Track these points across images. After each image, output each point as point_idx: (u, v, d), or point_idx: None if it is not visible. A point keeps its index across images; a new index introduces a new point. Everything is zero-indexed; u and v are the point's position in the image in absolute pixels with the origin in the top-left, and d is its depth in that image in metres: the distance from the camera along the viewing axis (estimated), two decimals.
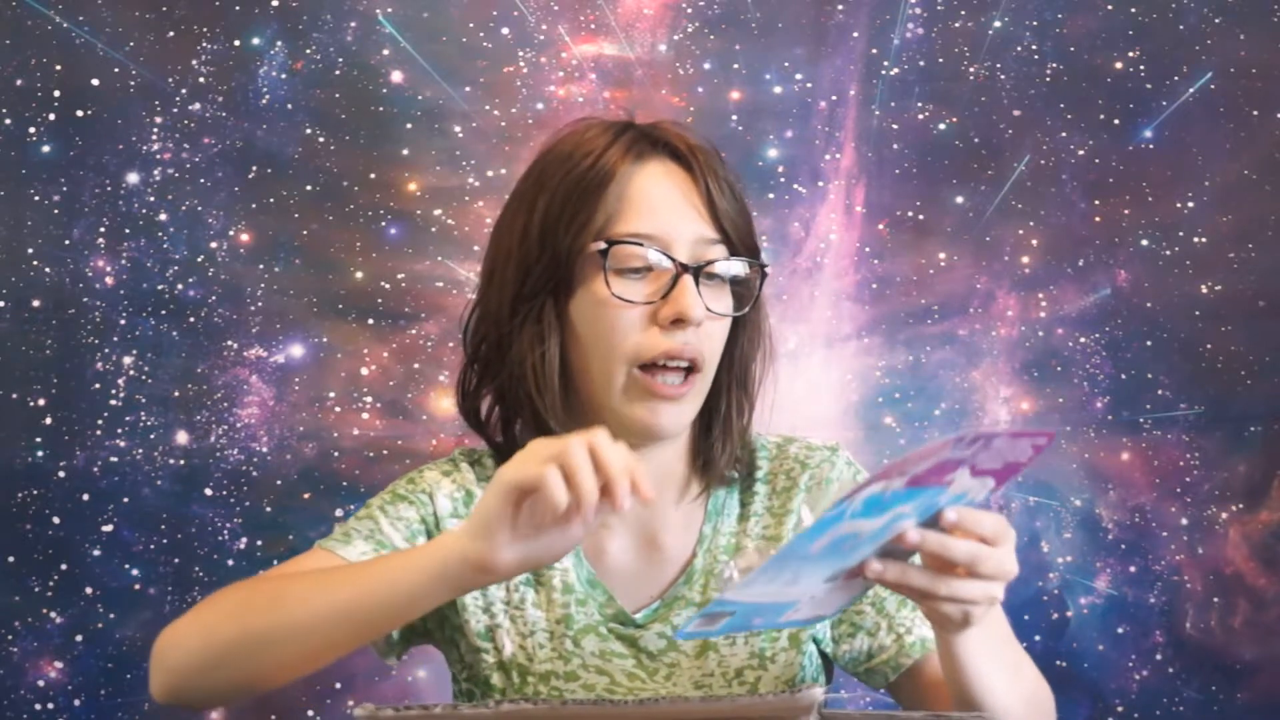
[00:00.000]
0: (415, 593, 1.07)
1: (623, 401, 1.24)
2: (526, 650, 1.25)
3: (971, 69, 2.34)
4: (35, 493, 2.21)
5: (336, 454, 2.26)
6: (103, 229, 2.26)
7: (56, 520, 2.21)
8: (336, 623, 1.09)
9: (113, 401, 2.24)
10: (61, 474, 2.22)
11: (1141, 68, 2.34)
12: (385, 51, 2.31)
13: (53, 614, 2.21)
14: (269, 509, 2.24)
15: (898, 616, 1.26)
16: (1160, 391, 2.31)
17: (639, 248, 1.22)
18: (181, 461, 2.24)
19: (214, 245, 2.27)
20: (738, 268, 1.25)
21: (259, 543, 2.24)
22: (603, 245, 1.22)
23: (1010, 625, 1.18)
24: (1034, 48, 2.34)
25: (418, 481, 1.32)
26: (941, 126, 2.34)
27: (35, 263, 2.24)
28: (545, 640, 1.25)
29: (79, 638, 2.21)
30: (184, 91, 2.28)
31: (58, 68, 2.25)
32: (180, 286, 2.27)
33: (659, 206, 1.23)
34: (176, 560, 2.23)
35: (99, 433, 2.23)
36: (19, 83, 2.24)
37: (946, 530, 1.02)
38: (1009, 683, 1.13)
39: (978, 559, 1.03)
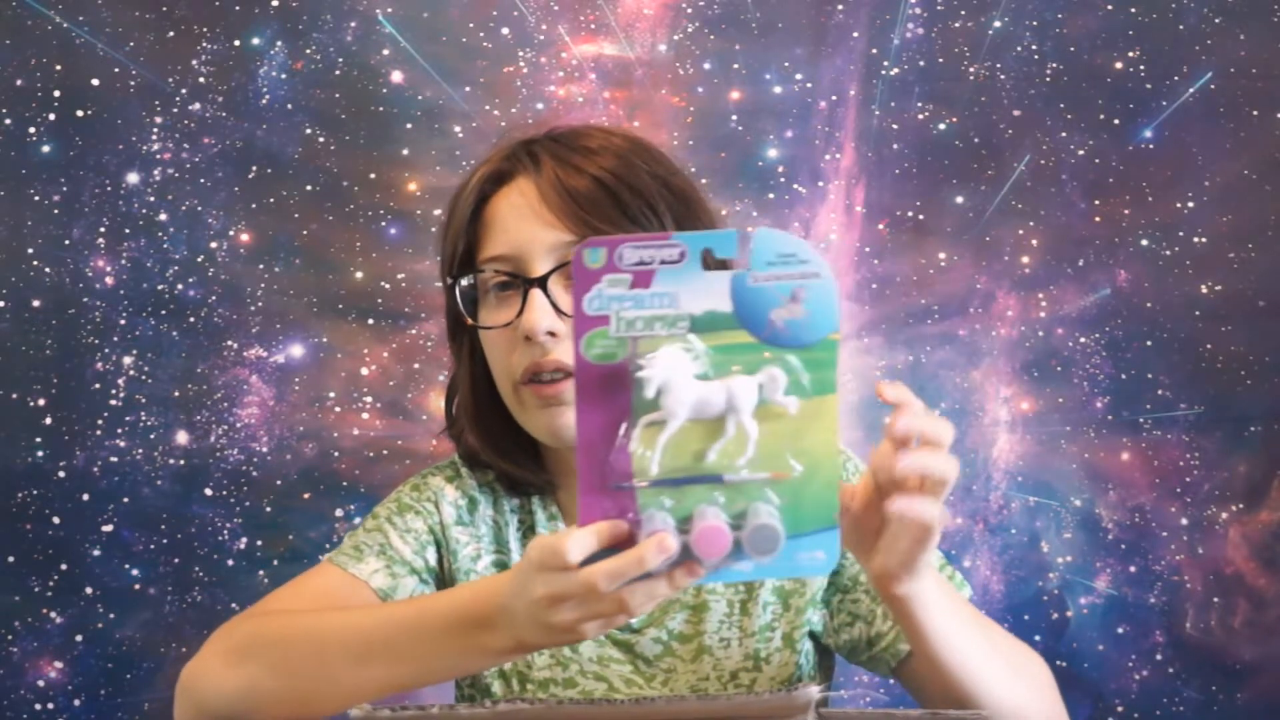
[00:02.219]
0: (460, 671, 1.12)
1: (525, 417, 1.25)
2: (526, 658, 1.25)
3: (971, 69, 2.34)
4: (35, 493, 2.21)
5: (336, 454, 2.26)
6: (103, 229, 2.26)
7: (56, 520, 2.21)
8: (382, 691, 1.10)
9: (113, 401, 2.24)
10: (61, 474, 2.22)
11: (1141, 68, 2.34)
12: (385, 51, 2.31)
13: (53, 614, 2.21)
14: (269, 509, 2.24)
15: None
16: (1160, 391, 2.31)
17: (484, 274, 1.24)
18: (181, 461, 2.24)
19: (214, 245, 2.27)
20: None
21: (259, 543, 2.24)
22: (449, 281, 1.26)
23: (1008, 624, 1.18)
24: (1034, 48, 2.34)
25: (422, 489, 1.32)
26: (941, 126, 2.34)
27: (35, 263, 2.24)
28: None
29: (79, 638, 2.21)
30: (184, 91, 2.28)
31: (58, 68, 2.25)
32: (180, 286, 2.27)
33: (509, 225, 1.24)
34: (176, 560, 2.23)
35: (99, 433, 2.23)
36: (19, 83, 2.24)
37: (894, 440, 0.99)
38: (980, 640, 1.11)
39: (927, 469, 1.00)
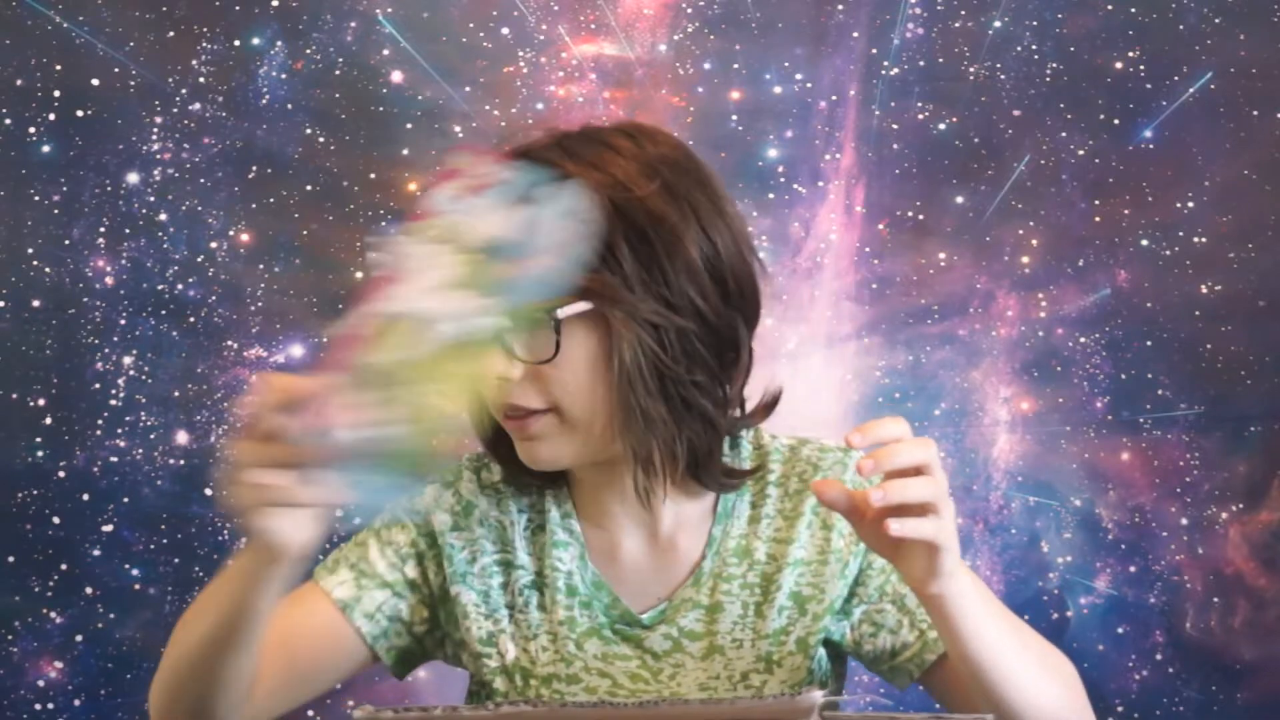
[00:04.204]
0: (244, 595, 1.11)
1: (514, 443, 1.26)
2: (530, 653, 1.25)
3: (971, 69, 2.34)
4: (35, 493, 2.21)
5: None
6: (103, 229, 2.26)
7: (56, 520, 2.21)
8: (207, 652, 1.13)
9: (113, 401, 2.24)
10: (61, 474, 2.22)
11: (1141, 68, 2.34)
12: (385, 51, 2.31)
13: (53, 614, 2.21)
14: None
15: (919, 613, 1.25)
16: (1160, 391, 2.31)
17: None
18: (181, 461, 2.24)
19: (214, 245, 2.27)
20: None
21: None
22: None
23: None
24: (1034, 48, 2.34)
25: (414, 500, 1.33)
26: (941, 126, 2.34)
27: (35, 263, 2.24)
28: (548, 643, 1.25)
29: (79, 638, 2.21)
30: (184, 91, 2.28)
31: (58, 68, 2.25)
32: (180, 286, 2.27)
33: None
34: (176, 560, 2.23)
35: (99, 433, 2.23)
36: (19, 83, 2.24)
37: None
38: (1013, 640, 1.12)
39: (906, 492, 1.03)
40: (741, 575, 1.27)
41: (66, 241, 2.25)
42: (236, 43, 2.29)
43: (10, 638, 2.20)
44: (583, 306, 1.15)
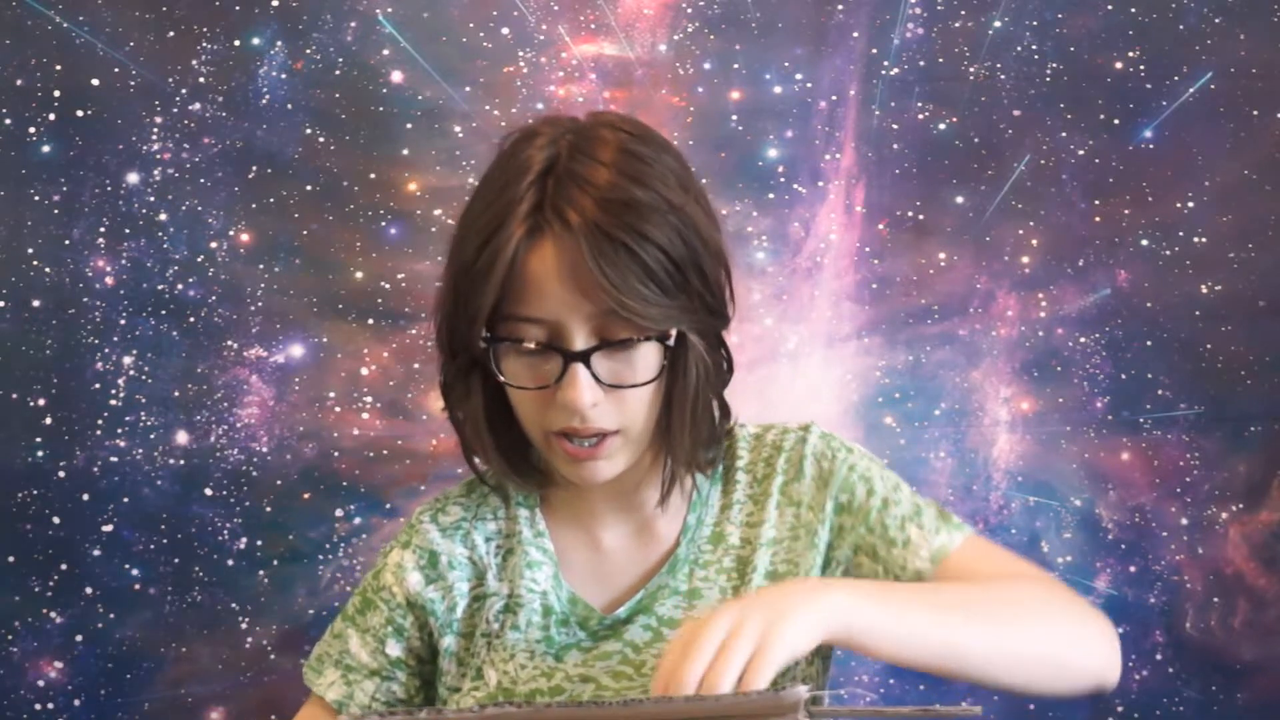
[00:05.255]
0: None
1: (552, 458, 1.25)
2: (510, 674, 1.26)
3: (971, 69, 2.34)
4: (35, 493, 2.21)
5: (336, 454, 2.26)
6: (103, 229, 2.26)
7: (56, 520, 2.21)
8: None
9: (113, 401, 2.24)
10: (61, 474, 2.22)
11: (1141, 68, 2.34)
12: (385, 51, 2.31)
13: (53, 614, 2.21)
14: (269, 509, 2.24)
15: (889, 558, 1.26)
16: (1160, 391, 2.31)
17: (522, 335, 1.19)
18: (181, 461, 2.24)
19: (214, 245, 2.27)
20: (630, 336, 1.19)
21: (259, 543, 2.24)
22: (485, 337, 1.19)
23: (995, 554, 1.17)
24: (1034, 48, 2.34)
25: (380, 575, 1.34)
26: (941, 126, 2.34)
27: (35, 263, 2.24)
28: (526, 661, 1.26)
29: (79, 638, 2.21)
30: (184, 91, 2.28)
31: (58, 68, 2.25)
32: (180, 286, 2.27)
33: (545, 287, 1.17)
34: (176, 560, 2.23)
35: (99, 433, 2.23)
36: (19, 83, 2.24)
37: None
38: (960, 621, 1.10)
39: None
40: (717, 560, 1.29)
41: (66, 241, 2.25)
42: (236, 43, 2.29)
43: (10, 638, 2.20)
44: (673, 329, 1.19)
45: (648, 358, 1.20)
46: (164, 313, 2.26)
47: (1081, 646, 1.18)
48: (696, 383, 1.22)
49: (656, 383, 1.21)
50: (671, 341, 1.20)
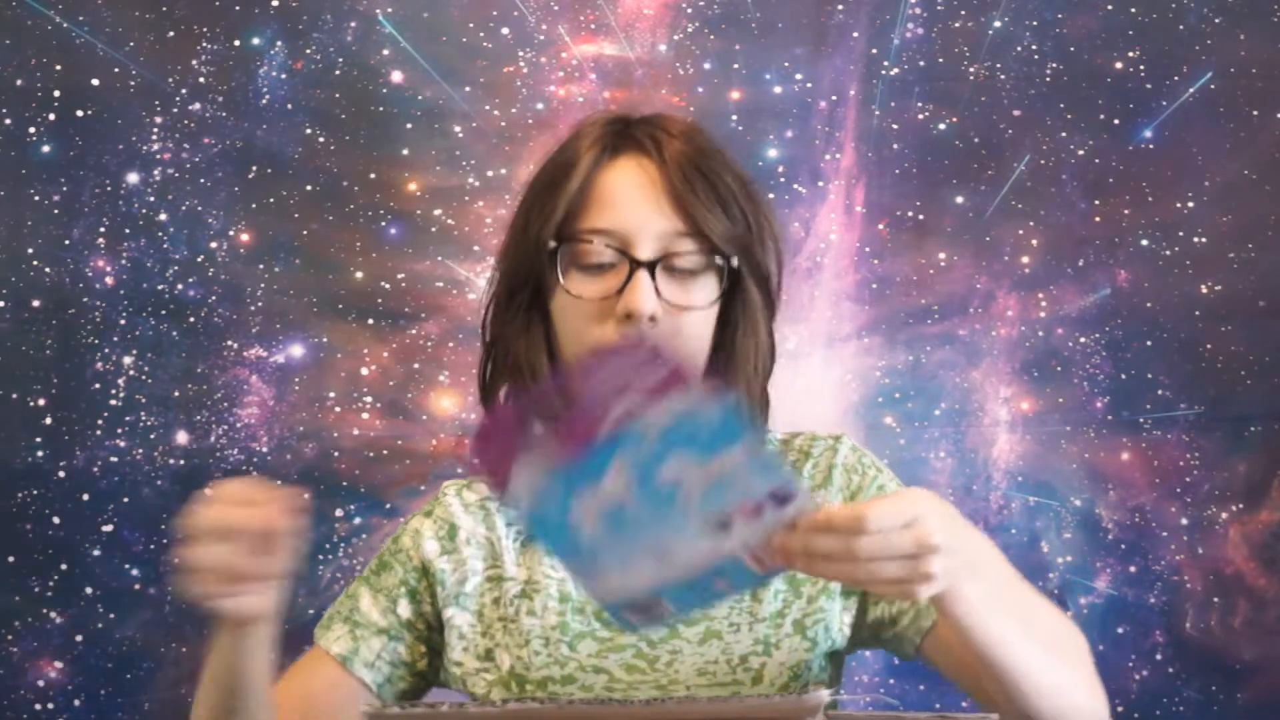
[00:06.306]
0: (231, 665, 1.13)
1: None
2: (523, 660, 1.26)
3: (971, 69, 2.34)
4: (35, 493, 2.21)
5: (336, 454, 2.26)
6: (103, 229, 2.26)
7: (56, 520, 2.21)
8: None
9: (113, 401, 2.24)
10: (61, 474, 2.22)
11: (1141, 68, 2.34)
12: (385, 51, 2.31)
13: (53, 614, 2.21)
14: None
15: None
16: (1160, 391, 2.31)
17: (590, 244, 1.23)
18: (181, 461, 2.24)
19: (214, 245, 2.27)
20: (700, 260, 1.24)
21: None
22: (554, 243, 1.24)
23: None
24: (1034, 48, 2.34)
25: (399, 539, 1.35)
26: (941, 126, 2.34)
27: (35, 263, 2.24)
28: (541, 647, 1.26)
29: (79, 638, 2.21)
30: (184, 91, 2.28)
31: (58, 68, 2.25)
32: (180, 286, 2.27)
33: (620, 201, 1.24)
34: (176, 560, 2.23)
35: (99, 433, 2.23)
36: (19, 83, 2.24)
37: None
38: (1019, 633, 1.09)
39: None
40: None
41: (66, 241, 2.25)
42: (236, 43, 2.29)
43: (10, 638, 2.20)
44: (734, 259, 1.25)
45: (707, 286, 1.25)
46: (164, 313, 2.26)
47: (1092, 703, 1.17)
48: (749, 327, 1.27)
49: (710, 317, 1.25)
50: (734, 264, 1.25)
